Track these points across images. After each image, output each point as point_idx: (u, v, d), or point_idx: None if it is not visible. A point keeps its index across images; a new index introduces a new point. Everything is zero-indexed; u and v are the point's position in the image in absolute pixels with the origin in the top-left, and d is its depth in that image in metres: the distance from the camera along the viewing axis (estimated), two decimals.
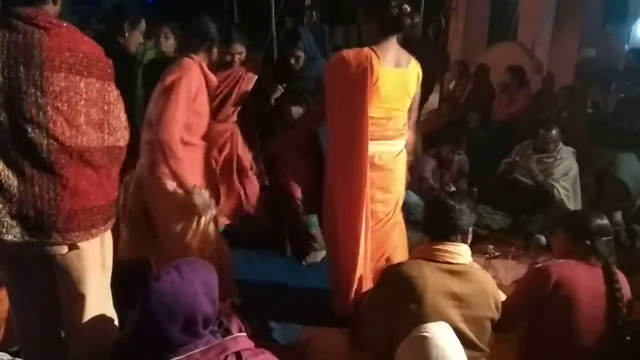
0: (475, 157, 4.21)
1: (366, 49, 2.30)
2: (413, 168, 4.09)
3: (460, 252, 1.89)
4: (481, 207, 3.82)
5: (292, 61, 3.13)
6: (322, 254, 3.28)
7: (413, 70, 2.46)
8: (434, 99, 6.35)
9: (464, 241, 1.93)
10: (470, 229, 1.95)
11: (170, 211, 2.37)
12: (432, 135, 4.75)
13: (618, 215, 3.51)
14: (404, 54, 2.44)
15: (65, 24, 1.67)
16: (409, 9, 2.29)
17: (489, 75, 5.73)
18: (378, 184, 2.45)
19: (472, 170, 4.16)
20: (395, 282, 1.86)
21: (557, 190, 3.62)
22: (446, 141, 4.09)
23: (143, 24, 3.07)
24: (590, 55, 5.82)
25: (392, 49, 2.37)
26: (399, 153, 2.51)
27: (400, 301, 1.81)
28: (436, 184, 4.04)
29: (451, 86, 6.08)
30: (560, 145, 3.74)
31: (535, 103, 5.15)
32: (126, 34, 2.94)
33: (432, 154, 4.15)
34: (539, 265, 2.09)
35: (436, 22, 6.15)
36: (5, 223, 1.62)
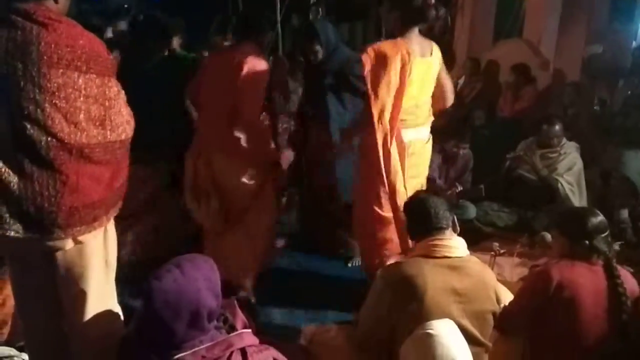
0: (481, 155, 4.19)
1: (399, 40, 2.38)
2: None
3: (457, 245, 1.89)
4: (487, 205, 3.81)
5: (312, 57, 3.14)
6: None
7: (436, 58, 2.57)
8: None
9: (454, 230, 1.95)
10: (454, 216, 1.97)
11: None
12: (436, 132, 4.72)
13: (624, 213, 3.49)
14: (426, 43, 2.53)
15: (64, 19, 1.65)
16: (433, 1, 2.37)
17: (499, 72, 5.70)
18: (410, 171, 2.60)
19: (478, 167, 4.14)
20: (395, 281, 1.85)
21: (562, 184, 3.59)
22: (450, 136, 4.07)
23: None
24: (597, 52, 5.78)
25: (416, 39, 2.45)
26: (428, 140, 2.68)
27: (401, 300, 1.81)
28: (441, 179, 4.02)
29: (461, 82, 6.04)
30: (564, 140, 3.72)
31: (541, 100, 5.12)
32: None
33: (437, 150, 4.14)
34: (539, 267, 2.07)
35: (442, 18, 6.11)
36: (6, 219, 1.62)
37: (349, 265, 3.32)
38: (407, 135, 2.52)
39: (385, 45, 2.39)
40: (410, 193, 2.51)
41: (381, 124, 2.45)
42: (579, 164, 3.68)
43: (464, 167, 4.03)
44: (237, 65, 2.45)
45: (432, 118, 2.68)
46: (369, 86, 2.44)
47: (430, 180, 3.93)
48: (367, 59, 2.40)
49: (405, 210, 2.08)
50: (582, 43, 5.56)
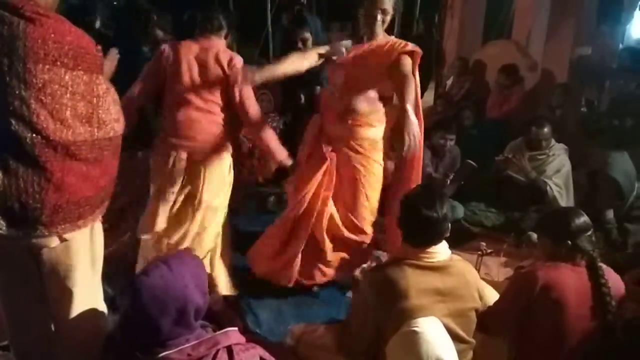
0: (469, 155, 4.20)
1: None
2: None
3: (438, 251, 1.88)
4: (474, 205, 3.84)
5: (300, 44, 3.13)
6: None
7: None
8: (428, 97, 6.35)
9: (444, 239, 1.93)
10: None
11: None
12: (425, 132, 4.74)
13: (610, 214, 3.52)
14: None
15: (52, 15, 1.63)
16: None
17: (485, 72, 5.74)
18: None
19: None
20: (378, 285, 1.86)
21: (550, 187, 3.62)
22: (437, 129, 4.09)
23: None
24: (585, 53, 5.83)
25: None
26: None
27: (385, 303, 1.82)
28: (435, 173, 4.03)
29: (449, 82, 6.07)
30: (553, 142, 3.75)
31: (529, 101, 5.16)
32: None
33: (426, 145, 4.15)
34: (525, 268, 2.08)
35: (428, 18, 6.14)
36: None
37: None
38: None
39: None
40: None
41: None
42: (567, 166, 3.72)
43: (452, 162, 4.04)
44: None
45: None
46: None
47: (425, 175, 3.96)
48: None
49: (406, 215, 1.92)
50: (569, 45, 5.60)
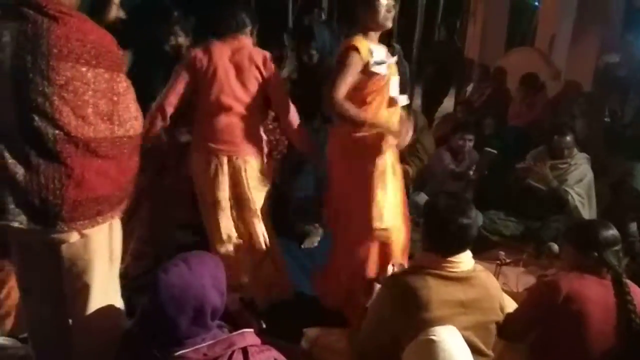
0: (490, 163, 4.16)
1: None
2: (429, 166, 4.09)
3: (462, 260, 1.84)
4: (493, 213, 3.79)
5: (305, 58, 3.15)
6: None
7: None
8: (448, 103, 6.32)
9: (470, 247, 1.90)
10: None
11: None
12: (444, 138, 4.72)
13: (633, 226, 3.45)
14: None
15: (75, 13, 1.66)
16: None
17: (506, 79, 5.69)
18: None
19: (486, 175, 4.11)
20: (399, 293, 1.82)
21: (572, 196, 3.56)
22: (455, 130, 4.06)
23: None
24: (609, 63, 5.75)
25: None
26: None
27: (405, 312, 1.78)
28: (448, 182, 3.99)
29: (469, 89, 6.04)
30: (575, 151, 3.69)
31: (551, 109, 5.09)
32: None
33: (445, 148, 4.13)
34: (548, 278, 2.04)
35: (450, 24, 6.11)
36: (11, 210, 1.63)
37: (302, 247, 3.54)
38: None
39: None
40: None
41: None
42: (590, 176, 3.65)
43: (470, 164, 4.00)
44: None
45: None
46: None
47: (448, 171, 3.93)
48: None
49: (431, 221, 1.88)
50: (594, 53, 5.54)
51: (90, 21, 1.69)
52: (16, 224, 1.64)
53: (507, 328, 1.92)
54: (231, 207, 2.59)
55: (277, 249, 2.80)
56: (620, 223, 3.36)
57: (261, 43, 2.76)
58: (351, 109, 2.34)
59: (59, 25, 1.59)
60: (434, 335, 1.63)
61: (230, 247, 2.60)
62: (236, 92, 2.49)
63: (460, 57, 6.30)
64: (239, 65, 2.48)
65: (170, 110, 2.46)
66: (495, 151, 3.72)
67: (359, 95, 2.39)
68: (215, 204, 2.56)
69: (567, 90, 5.25)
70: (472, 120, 4.99)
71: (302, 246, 3.58)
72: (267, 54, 2.55)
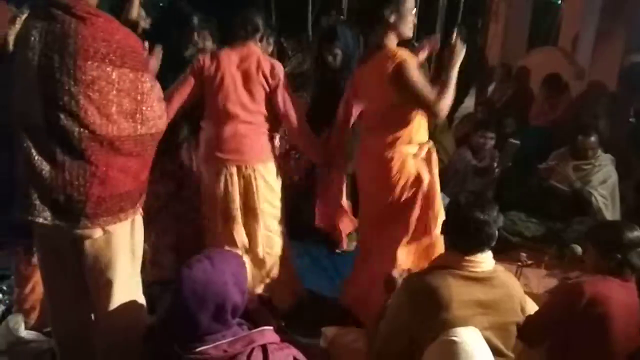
0: (511, 163, 4.11)
1: None
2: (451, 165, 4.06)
3: (483, 260, 1.82)
4: (514, 214, 3.73)
5: (330, 59, 3.12)
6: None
7: (371, 67, 2.39)
8: (469, 103, 6.26)
9: (490, 247, 1.86)
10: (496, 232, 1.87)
11: None
12: (465, 138, 4.68)
13: None
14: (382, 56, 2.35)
15: (102, 14, 1.70)
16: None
17: (529, 79, 5.61)
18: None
19: (508, 176, 4.06)
20: (419, 292, 1.81)
21: (595, 198, 3.50)
22: (476, 128, 4.02)
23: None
24: (635, 62, 5.63)
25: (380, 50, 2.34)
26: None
27: (424, 312, 1.77)
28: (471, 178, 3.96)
29: (490, 89, 5.97)
30: (599, 152, 3.63)
31: (575, 110, 5.01)
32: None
33: (466, 147, 4.10)
34: (571, 281, 2.01)
35: (471, 23, 6.06)
36: (36, 206, 1.67)
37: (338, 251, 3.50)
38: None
39: None
40: None
41: None
42: (614, 177, 3.58)
43: (491, 161, 3.96)
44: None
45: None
46: None
47: (470, 167, 3.89)
48: None
49: (452, 218, 1.90)
50: (619, 52, 5.42)
51: (116, 21, 1.73)
52: (40, 220, 1.68)
53: (527, 330, 1.89)
54: (241, 215, 2.58)
55: (288, 254, 2.78)
56: None
57: (280, 43, 2.76)
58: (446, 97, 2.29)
59: (86, 26, 1.63)
60: (456, 336, 1.61)
61: (246, 257, 2.58)
62: (243, 100, 2.47)
63: (481, 57, 6.24)
64: (247, 73, 2.47)
65: (171, 114, 2.42)
66: (518, 142, 3.67)
67: (404, 111, 2.35)
68: (227, 215, 2.55)
69: (591, 90, 5.16)
70: (493, 119, 4.94)
71: (337, 250, 3.52)
72: (276, 63, 2.54)
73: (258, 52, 2.52)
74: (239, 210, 2.55)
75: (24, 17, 1.65)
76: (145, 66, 1.80)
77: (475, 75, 6.05)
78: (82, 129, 1.65)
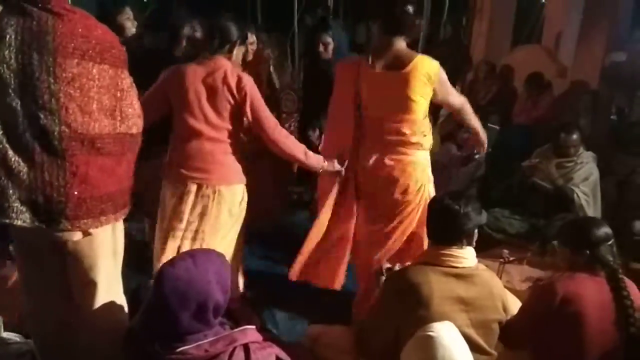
0: (494, 161, 4.15)
1: (356, 57, 2.46)
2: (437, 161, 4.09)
3: (465, 256, 1.86)
4: (498, 211, 3.77)
5: (321, 48, 3.12)
6: None
7: (407, 73, 2.36)
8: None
9: (469, 243, 1.90)
10: (475, 230, 1.91)
11: None
12: (449, 136, 4.70)
13: (638, 225, 3.43)
14: (405, 55, 2.39)
15: (78, 10, 1.67)
16: (411, 10, 2.31)
17: (513, 76, 5.66)
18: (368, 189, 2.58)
19: (491, 173, 4.10)
20: (401, 288, 1.84)
21: (577, 195, 3.54)
22: (460, 125, 4.06)
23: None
24: (617, 60, 5.70)
25: (390, 50, 2.37)
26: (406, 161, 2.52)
27: (406, 307, 1.80)
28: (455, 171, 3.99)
29: (467, 80, 5.99)
30: (581, 149, 3.66)
31: (558, 107, 5.07)
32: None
33: (451, 142, 4.14)
34: (543, 282, 2.03)
35: (456, 21, 6.09)
36: (15, 208, 1.63)
37: None
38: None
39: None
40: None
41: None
42: (595, 174, 3.62)
43: (476, 167, 3.99)
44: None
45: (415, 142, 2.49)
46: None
47: (451, 155, 3.93)
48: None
49: (431, 210, 1.98)
50: (602, 50, 5.49)
51: (92, 18, 1.71)
52: (19, 222, 1.64)
53: (507, 334, 1.92)
54: (183, 237, 2.44)
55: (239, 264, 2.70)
56: (626, 221, 3.36)
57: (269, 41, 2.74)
58: None
59: (64, 22, 1.60)
60: (432, 331, 1.63)
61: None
62: (208, 117, 2.36)
63: (466, 55, 6.27)
64: (212, 88, 2.35)
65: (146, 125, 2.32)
66: (497, 127, 3.71)
67: (420, 116, 2.45)
68: (169, 231, 2.44)
69: (573, 88, 5.22)
70: (478, 116, 4.97)
71: None
72: (243, 75, 2.38)
73: (226, 65, 2.37)
74: (182, 231, 2.43)
75: None
76: (124, 62, 1.77)
77: (461, 73, 6.09)
78: (62, 128, 1.62)
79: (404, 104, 2.39)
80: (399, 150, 2.45)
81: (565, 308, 1.84)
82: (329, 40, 3.09)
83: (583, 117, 4.63)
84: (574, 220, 2.25)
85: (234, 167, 2.47)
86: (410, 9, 2.32)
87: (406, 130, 2.41)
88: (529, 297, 2.01)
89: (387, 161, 2.45)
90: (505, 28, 6.83)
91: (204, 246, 2.40)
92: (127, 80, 1.77)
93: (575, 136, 3.61)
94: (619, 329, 1.82)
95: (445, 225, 1.86)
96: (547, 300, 1.87)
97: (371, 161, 2.47)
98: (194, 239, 2.44)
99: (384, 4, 2.36)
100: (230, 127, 2.42)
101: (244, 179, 2.52)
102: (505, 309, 1.92)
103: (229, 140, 2.44)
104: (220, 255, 1.64)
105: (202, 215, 2.42)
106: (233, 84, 2.34)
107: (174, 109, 2.42)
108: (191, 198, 2.40)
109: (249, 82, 2.38)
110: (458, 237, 1.85)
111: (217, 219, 2.43)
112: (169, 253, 2.39)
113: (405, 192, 2.45)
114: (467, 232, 1.86)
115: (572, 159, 3.64)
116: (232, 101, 2.36)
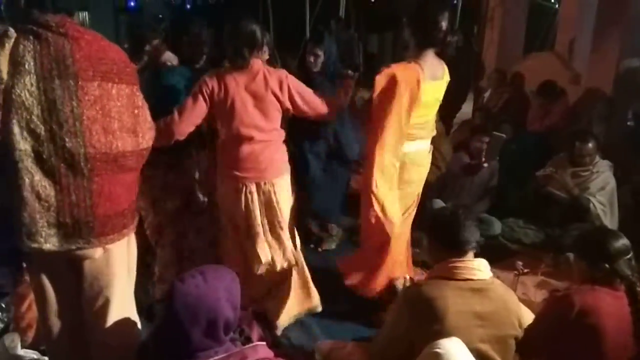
0: (508, 170, 4.11)
1: (412, 64, 2.49)
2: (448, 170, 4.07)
3: (479, 268, 1.84)
4: (512, 221, 3.74)
5: (311, 59, 3.15)
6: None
7: (446, 80, 2.68)
8: (467, 109, 6.26)
9: (477, 256, 1.89)
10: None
11: None
12: (462, 145, 4.68)
13: None
14: (439, 65, 2.61)
15: (90, 32, 1.70)
16: (445, 26, 2.48)
17: (524, 84, 5.62)
18: (411, 178, 2.73)
19: (505, 182, 4.06)
20: (415, 303, 1.82)
21: (593, 204, 3.48)
22: (473, 132, 4.04)
23: None
24: (632, 66, 5.63)
25: (430, 61, 2.53)
26: (430, 150, 2.80)
27: (421, 322, 1.78)
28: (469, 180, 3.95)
29: (486, 95, 5.98)
30: (597, 158, 3.61)
31: (572, 115, 5.01)
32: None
33: (464, 151, 4.10)
34: (560, 293, 1.99)
35: (467, 29, 6.08)
36: (43, 233, 1.65)
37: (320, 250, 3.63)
38: (412, 146, 2.65)
39: (398, 69, 2.47)
40: (405, 199, 2.75)
41: (382, 144, 2.55)
42: (612, 184, 3.57)
43: (490, 176, 3.94)
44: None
45: (434, 132, 2.82)
46: (374, 107, 2.52)
47: (461, 164, 3.91)
48: (379, 83, 2.48)
49: (431, 225, 2.00)
50: (616, 56, 5.42)
51: (104, 38, 1.74)
52: (48, 246, 1.66)
53: (523, 345, 1.89)
54: (264, 231, 2.59)
55: (303, 262, 2.78)
56: None
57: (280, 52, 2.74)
58: None
59: (80, 46, 1.63)
60: (439, 348, 1.61)
61: (267, 269, 2.63)
62: (256, 122, 2.45)
63: (478, 63, 6.25)
64: (256, 94, 2.43)
65: (185, 131, 2.42)
66: (504, 135, 3.68)
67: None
68: (251, 232, 2.56)
69: (588, 95, 5.16)
70: (490, 124, 4.94)
71: (320, 249, 3.63)
72: (283, 73, 2.50)
73: (262, 69, 2.46)
74: (261, 226, 2.57)
75: (12, 40, 1.61)
76: (136, 80, 1.81)
77: (473, 81, 6.07)
78: (87, 149, 1.65)
79: (436, 107, 2.72)
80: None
81: (582, 321, 1.80)
82: (320, 52, 3.11)
83: (598, 124, 4.57)
84: (590, 233, 2.20)
85: (283, 159, 2.63)
86: (445, 25, 2.51)
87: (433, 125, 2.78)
88: (544, 308, 1.98)
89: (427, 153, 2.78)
90: (517, 36, 6.80)
91: (282, 234, 2.63)
92: (140, 96, 1.81)
93: (591, 144, 3.56)
94: (638, 342, 1.78)
95: (446, 233, 1.87)
96: (564, 312, 1.83)
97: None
98: (271, 230, 2.61)
99: (424, 20, 2.50)
100: (277, 126, 2.54)
101: (289, 166, 2.68)
102: (520, 325, 1.88)
103: (276, 138, 2.57)
104: (230, 272, 1.64)
105: (269, 208, 2.57)
106: (276, 86, 2.45)
107: (219, 118, 2.50)
108: (255, 197, 2.53)
109: (286, 76, 2.50)
110: (463, 243, 1.85)
111: (282, 206, 2.59)
112: (262, 247, 2.58)
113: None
114: (471, 236, 1.86)
115: (587, 167, 3.60)
116: (277, 104, 2.48)
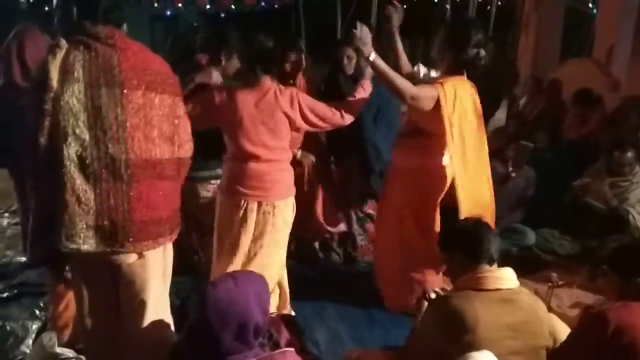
0: (544, 179, 4.02)
1: (463, 78, 2.70)
2: None
3: (507, 276, 1.82)
4: (547, 231, 3.64)
5: (345, 61, 3.14)
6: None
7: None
8: (500, 116, 6.17)
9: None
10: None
11: None
12: (497, 152, 4.59)
13: None
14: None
15: (136, 43, 1.79)
16: (482, 54, 2.63)
17: (561, 91, 5.50)
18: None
19: (540, 192, 3.97)
20: (445, 315, 1.80)
21: (632, 216, 3.39)
22: (508, 141, 4.00)
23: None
24: None
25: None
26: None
27: (451, 335, 1.75)
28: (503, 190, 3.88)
29: (522, 103, 5.87)
30: (637, 168, 3.51)
31: (610, 123, 4.87)
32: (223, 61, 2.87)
33: (500, 159, 4.03)
34: (594, 310, 1.93)
35: (502, 36, 5.99)
36: (82, 235, 1.72)
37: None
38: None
39: (456, 83, 2.63)
40: None
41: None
42: None
43: (526, 185, 3.88)
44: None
45: None
46: (445, 116, 2.57)
47: (496, 174, 3.87)
48: (443, 93, 2.56)
49: (451, 239, 2.00)
50: None
51: (149, 50, 1.83)
52: (86, 247, 1.73)
53: None
54: (250, 249, 2.54)
55: (286, 285, 2.77)
56: None
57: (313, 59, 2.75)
58: None
59: (127, 56, 1.72)
60: None
61: None
62: (265, 140, 2.45)
63: (512, 70, 6.15)
64: (266, 112, 2.43)
65: None
66: (531, 144, 3.62)
67: None
68: (236, 247, 2.52)
69: (626, 103, 5.01)
70: (526, 132, 4.85)
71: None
72: (294, 91, 2.49)
73: (273, 88, 2.46)
74: (248, 244, 2.53)
75: (63, 50, 1.70)
76: (179, 91, 1.89)
77: (507, 88, 5.97)
78: (129, 156, 1.72)
79: None
80: None
81: (618, 339, 1.73)
82: (352, 54, 3.11)
83: (637, 133, 4.43)
84: (626, 246, 2.14)
85: (288, 181, 2.59)
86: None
87: None
88: (578, 326, 1.92)
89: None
90: (553, 43, 6.67)
91: (266, 258, 2.56)
92: (182, 108, 1.88)
93: (630, 154, 3.48)
94: None
95: (469, 244, 1.88)
96: (599, 330, 1.77)
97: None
98: (256, 253, 2.54)
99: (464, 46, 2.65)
100: (285, 145, 2.54)
101: (294, 190, 2.63)
102: (551, 334, 1.84)
103: (283, 158, 2.55)
104: (261, 277, 1.66)
105: (264, 229, 2.52)
106: (287, 104, 2.45)
107: (227, 133, 2.51)
108: (254, 215, 2.50)
109: (296, 93, 2.50)
110: (487, 253, 1.85)
111: (276, 230, 2.54)
112: (236, 267, 2.51)
113: None
114: (494, 246, 1.87)
115: (627, 178, 3.51)
116: (287, 122, 2.47)
